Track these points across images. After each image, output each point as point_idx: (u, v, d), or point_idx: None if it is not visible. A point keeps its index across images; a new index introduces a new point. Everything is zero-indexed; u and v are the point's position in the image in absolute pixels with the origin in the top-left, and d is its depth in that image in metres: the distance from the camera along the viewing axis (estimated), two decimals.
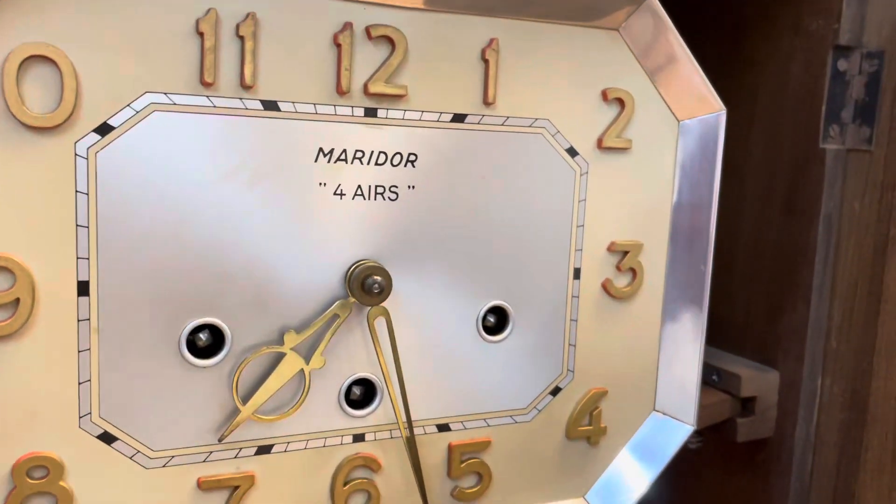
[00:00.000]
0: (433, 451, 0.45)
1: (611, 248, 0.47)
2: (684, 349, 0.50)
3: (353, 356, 0.42)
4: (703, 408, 0.52)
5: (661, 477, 0.50)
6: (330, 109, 0.39)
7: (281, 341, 0.40)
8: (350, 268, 0.41)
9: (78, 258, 0.35)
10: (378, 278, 0.40)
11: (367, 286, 0.40)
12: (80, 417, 0.36)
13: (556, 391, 0.48)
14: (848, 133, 0.58)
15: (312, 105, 0.39)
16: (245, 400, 0.39)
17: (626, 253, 0.48)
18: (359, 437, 0.43)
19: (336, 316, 0.40)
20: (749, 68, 0.62)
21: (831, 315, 0.59)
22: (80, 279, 0.35)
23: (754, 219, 0.63)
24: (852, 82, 0.58)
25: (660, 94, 0.47)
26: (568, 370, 0.48)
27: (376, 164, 0.41)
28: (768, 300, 0.62)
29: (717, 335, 0.64)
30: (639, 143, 0.47)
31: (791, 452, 0.61)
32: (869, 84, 0.57)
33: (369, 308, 0.41)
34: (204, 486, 0.39)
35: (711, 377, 0.62)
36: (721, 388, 0.61)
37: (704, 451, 0.64)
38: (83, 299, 0.36)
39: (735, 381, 0.60)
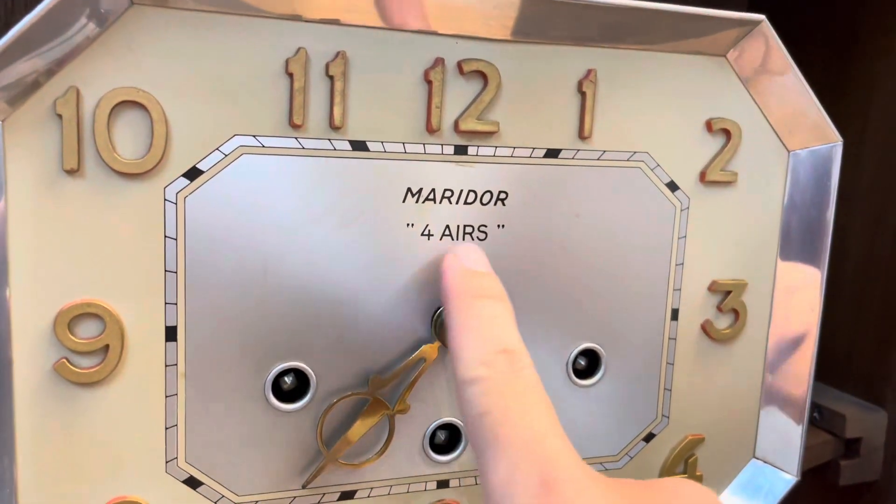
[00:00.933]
0: None
1: (712, 288, 0.45)
2: (789, 395, 0.46)
3: (439, 400, 0.40)
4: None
5: None
6: (419, 148, 0.38)
7: (366, 385, 0.39)
8: (437, 311, 0.39)
9: (166, 303, 0.35)
10: None
11: None
12: (166, 462, 0.36)
13: (649, 437, 0.45)
14: None
15: (401, 144, 0.37)
16: (329, 445, 0.38)
17: (728, 293, 0.45)
18: (443, 484, 0.41)
19: (422, 360, 0.39)
20: (860, 87, 0.58)
21: None
22: (168, 324, 0.35)
23: (864, 245, 0.58)
24: None
25: (769, 124, 0.44)
26: (663, 416, 0.45)
27: (465, 203, 0.39)
28: (877, 332, 0.58)
29: (820, 368, 0.61)
30: (745, 176, 0.44)
31: None
32: None
33: None
34: None
35: (813, 415, 0.58)
36: (823, 428, 0.58)
37: (802, 495, 0.60)
38: (171, 344, 0.35)
39: (839, 420, 0.57)
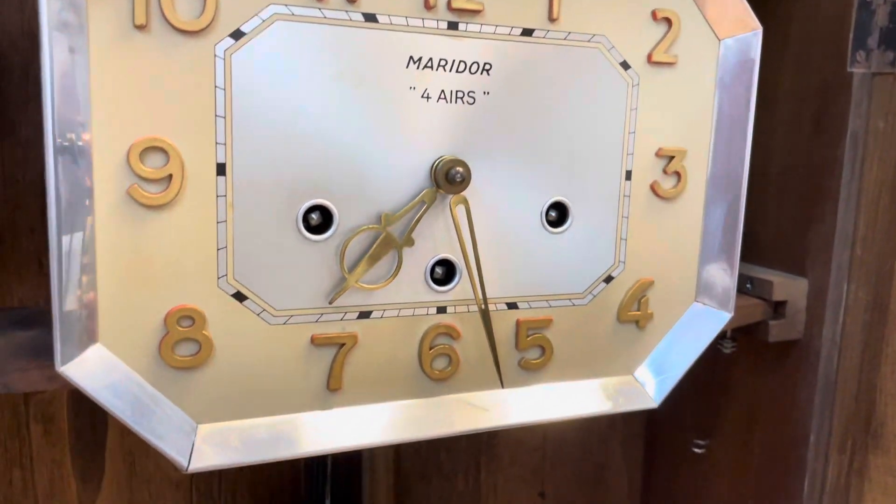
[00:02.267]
0: (503, 326, 0.51)
1: (658, 154, 0.54)
2: (723, 246, 0.56)
3: (437, 239, 0.49)
4: (737, 309, 0.58)
5: (697, 378, 0.56)
6: (419, 22, 0.46)
7: (379, 222, 0.47)
8: (435, 162, 0.47)
9: (217, 143, 0.42)
10: (460, 169, 0.47)
11: (450, 176, 0.47)
12: (218, 278, 0.44)
13: (608, 279, 0.54)
14: (873, 58, 0.63)
15: (405, 18, 0.45)
16: (350, 270, 0.46)
17: (671, 158, 0.54)
18: (441, 310, 0.50)
19: (423, 202, 0.47)
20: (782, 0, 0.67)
21: (856, 225, 0.65)
22: (219, 161, 0.43)
23: (785, 138, 0.68)
24: (878, 11, 0.63)
25: (702, 15, 0.53)
26: (619, 261, 0.54)
27: (457, 71, 0.47)
28: (798, 214, 0.68)
29: (751, 250, 0.70)
30: (683, 59, 0.53)
31: (818, 352, 0.67)
32: (892, 12, 0.62)
33: (451, 196, 0.48)
34: (316, 342, 0.46)
35: (745, 285, 0.68)
36: (754, 295, 0.68)
37: (739, 351, 0.70)
38: (220, 178, 0.43)
39: (767, 286, 0.67)
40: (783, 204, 0.69)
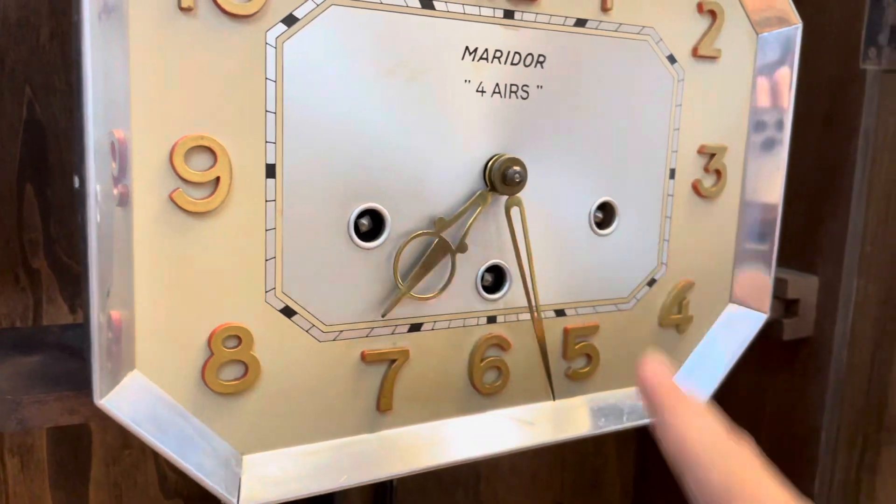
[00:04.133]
0: (551, 334, 0.49)
1: (700, 151, 0.52)
2: (759, 245, 0.55)
3: (488, 244, 0.45)
4: None
5: None
6: (475, 10, 0.42)
7: (431, 226, 0.43)
8: (488, 161, 0.44)
9: (266, 142, 0.38)
10: (518, 169, 0.43)
11: (508, 176, 0.43)
12: (265, 292, 0.39)
13: (651, 282, 0.52)
14: (884, 55, 0.63)
15: (461, 5, 0.42)
16: (403, 280, 0.42)
17: (713, 155, 0.52)
18: (492, 319, 0.46)
19: (478, 205, 0.44)
20: None
21: (867, 221, 0.65)
22: (268, 162, 0.38)
23: (795, 134, 0.68)
24: (888, 9, 0.63)
25: (744, 9, 0.52)
26: (662, 263, 0.52)
27: (511, 63, 0.44)
28: (809, 210, 0.67)
29: None
30: (726, 53, 0.52)
31: (830, 348, 0.67)
32: None
33: (506, 198, 0.44)
34: (367, 359, 0.42)
35: None
36: None
37: (752, 350, 0.70)
38: (270, 181, 0.38)
39: (781, 285, 0.66)
40: (794, 201, 0.68)
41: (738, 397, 0.75)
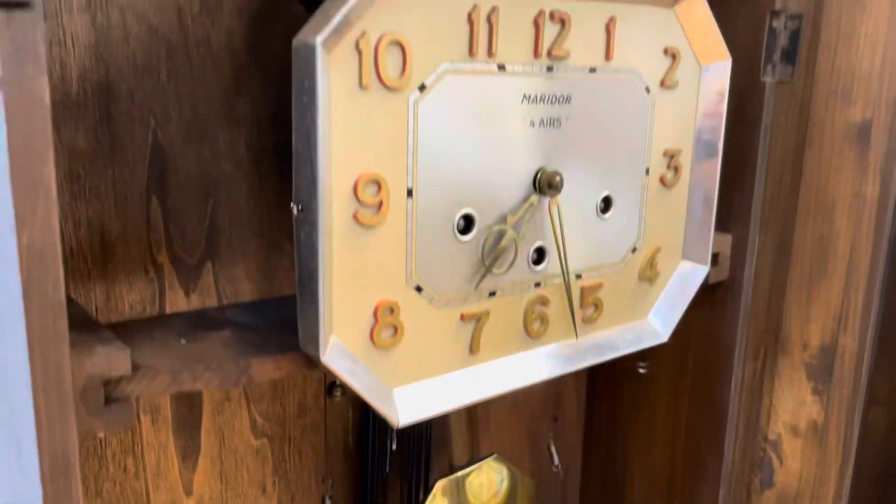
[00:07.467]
0: (573, 292, 0.68)
1: (665, 153, 0.72)
2: (702, 219, 0.76)
3: (536, 230, 0.64)
4: None
5: None
6: (530, 68, 0.60)
7: (503, 222, 0.61)
8: (536, 173, 0.62)
9: (407, 174, 0.54)
10: (559, 178, 0.62)
11: (554, 184, 0.62)
12: (406, 277, 0.56)
13: (634, 250, 0.72)
14: (777, 71, 0.86)
15: (521, 65, 0.59)
16: (486, 260, 0.60)
17: (672, 156, 0.73)
18: (538, 284, 0.65)
19: (532, 205, 0.62)
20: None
21: (765, 193, 0.88)
22: (408, 187, 0.55)
23: None
24: (781, 35, 0.85)
25: (692, 50, 0.72)
26: (641, 235, 0.72)
27: (550, 103, 0.62)
28: (724, 185, 0.90)
29: None
30: (681, 83, 0.72)
31: (741, 287, 0.90)
32: (791, 37, 0.85)
33: (549, 199, 0.63)
34: (464, 318, 0.60)
35: None
36: None
37: None
38: (409, 200, 0.55)
39: None
40: None
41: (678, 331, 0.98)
